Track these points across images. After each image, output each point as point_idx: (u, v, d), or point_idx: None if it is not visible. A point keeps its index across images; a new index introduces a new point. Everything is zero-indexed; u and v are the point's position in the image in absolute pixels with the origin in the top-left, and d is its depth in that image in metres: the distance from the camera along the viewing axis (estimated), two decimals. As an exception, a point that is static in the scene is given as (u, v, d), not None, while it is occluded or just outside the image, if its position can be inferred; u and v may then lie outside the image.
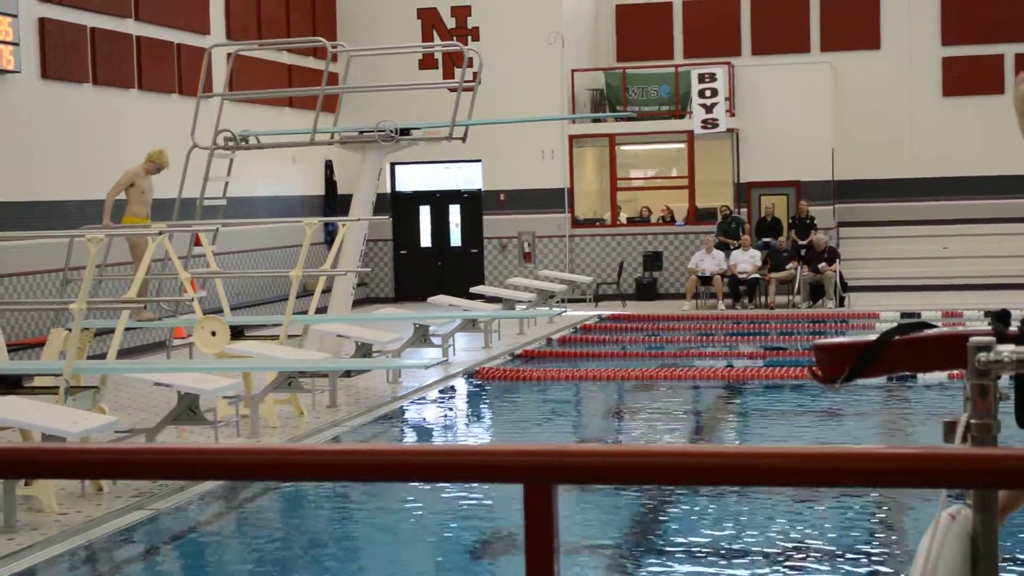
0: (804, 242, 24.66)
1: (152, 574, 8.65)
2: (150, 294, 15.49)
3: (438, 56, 26.66)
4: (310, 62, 25.10)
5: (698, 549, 8.59)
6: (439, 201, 27.63)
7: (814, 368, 3.93)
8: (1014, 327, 3.53)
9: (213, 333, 12.46)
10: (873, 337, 3.77)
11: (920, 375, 14.58)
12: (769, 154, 26.39)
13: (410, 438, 13.47)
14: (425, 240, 27.71)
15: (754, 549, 8.58)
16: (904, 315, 20.22)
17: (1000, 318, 3.55)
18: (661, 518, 9.54)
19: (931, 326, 3.86)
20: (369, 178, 16.79)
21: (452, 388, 15.56)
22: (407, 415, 14.07)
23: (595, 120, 27.05)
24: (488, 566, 8.73)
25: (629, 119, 26.12)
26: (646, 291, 26.02)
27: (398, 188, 27.66)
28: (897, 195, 27.98)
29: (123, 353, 15.69)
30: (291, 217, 22.06)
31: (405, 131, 17.00)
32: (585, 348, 18.62)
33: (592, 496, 9.78)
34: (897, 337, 3.75)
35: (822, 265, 23.78)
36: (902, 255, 26.71)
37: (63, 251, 15.42)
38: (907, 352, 3.80)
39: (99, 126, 18.70)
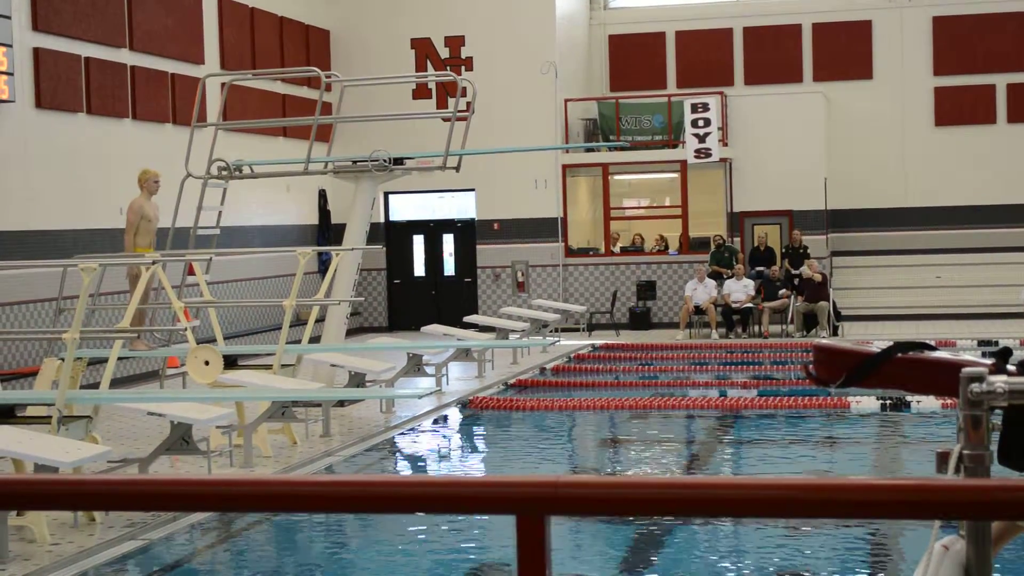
0: (797, 271, 24.67)
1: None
2: (144, 323, 15.46)
3: (432, 86, 26.72)
4: (304, 92, 25.13)
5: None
6: (433, 230, 27.64)
7: (810, 367, 3.93)
8: (1012, 367, 3.53)
9: (206, 362, 12.44)
10: (875, 349, 3.77)
11: (914, 403, 14.60)
12: (762, 183, 26.44)
13: (403, 468, 13.44)
14: (419, 269, 27.69)
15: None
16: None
17: (1002, 355, 3.54)
18: (655, 548, 9.51)
19: (933, 348, 3.86)
20: (363, 207, 16.78)
21: (445, 418, 15.54)
22: (400, 445, 14.04)
23: (588, 150, 27.09)
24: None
25: (622, 149, 26.16)
26: (639, 320, 26.02)
27: (392, 217, 27.67)
28: (890, 224, 28.03)
29: (116, 383, 15.65)
30: (285, 246, 22.06)
31: (399, 160, 17.00)
32: (579, 378, 18.59)
33: (585, 526, 9.75)
34: (899, 355, 3.75)
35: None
36: (895, 284, 26.74)
37: (56, 280, 15.41)
38: (905, 370, 3.80)
39: (93, 156, 18.71)
